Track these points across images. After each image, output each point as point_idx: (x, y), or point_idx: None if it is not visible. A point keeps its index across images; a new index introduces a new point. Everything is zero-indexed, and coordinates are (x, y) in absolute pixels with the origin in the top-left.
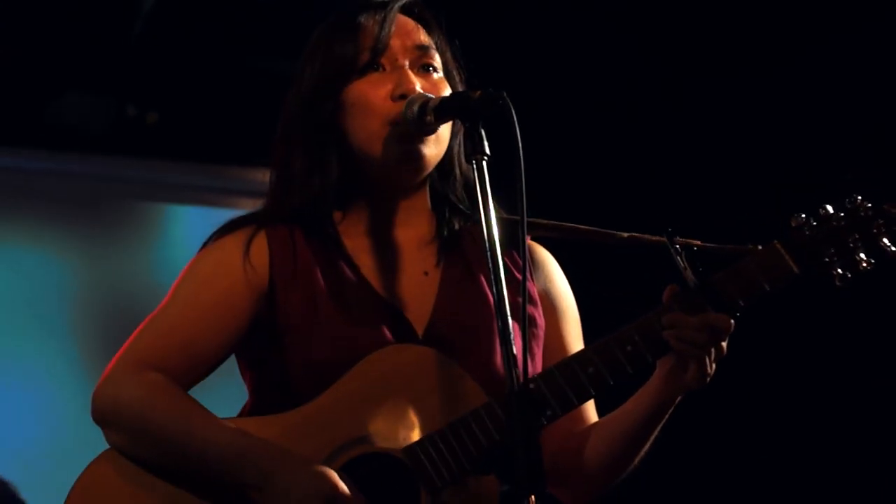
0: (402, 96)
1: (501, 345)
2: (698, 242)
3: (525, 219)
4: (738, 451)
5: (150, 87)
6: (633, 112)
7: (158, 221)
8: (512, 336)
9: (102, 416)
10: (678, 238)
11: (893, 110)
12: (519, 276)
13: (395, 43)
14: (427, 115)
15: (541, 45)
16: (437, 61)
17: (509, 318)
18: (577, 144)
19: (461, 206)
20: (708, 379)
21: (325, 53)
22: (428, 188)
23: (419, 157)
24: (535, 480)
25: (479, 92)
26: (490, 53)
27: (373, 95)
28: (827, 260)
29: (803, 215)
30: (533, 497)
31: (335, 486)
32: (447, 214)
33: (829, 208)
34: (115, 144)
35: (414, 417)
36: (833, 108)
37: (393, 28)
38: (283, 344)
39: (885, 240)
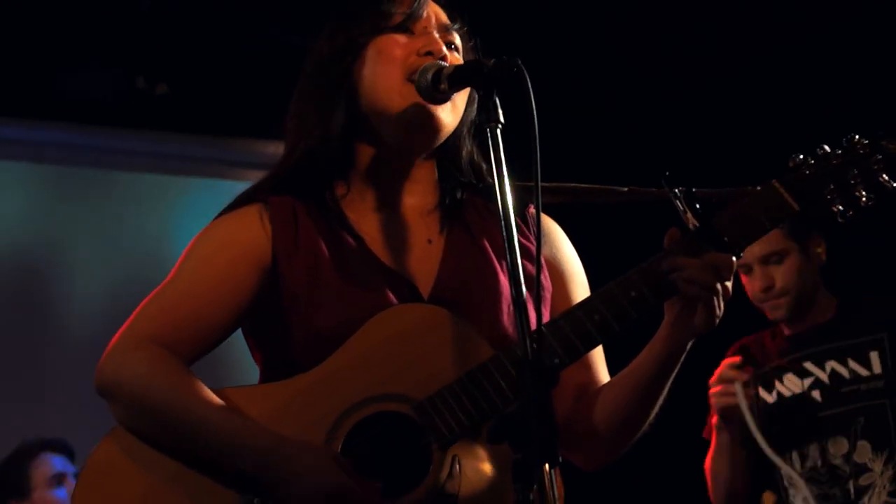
0: (430, 54)
1: (515, 311)
2: (696, 188)
3: (539, 185)
4: None
5: (160, 59)
6: (633, 90)
7: (168, 193)
8: (525, 303)
9: (105, 389)
10: (677, 185)
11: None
12: (526, 243)
13: (426, 17)
14: (441, 83)
15: (546, 17)
16: (460, 44)
17: (524, 287)
18: (575, 112)
19: (463, 180)
20: (717, 321)
21: (356, 13)
22: (435, 160)
23: (436, 120)
24: (549, 449)
25: (493, 60)
26: (502, 36)
27: (400, 48)
28: (828, 197)
29: (801, 155)
30: (547, 466)
31: (336, 477)
32: (450, 185)
33: (827, 148)
34: (125, 117)
35: (423, 375)
36: (833, 80)
37: (428, 4)
38: (289, 316)
39: (885, 175)
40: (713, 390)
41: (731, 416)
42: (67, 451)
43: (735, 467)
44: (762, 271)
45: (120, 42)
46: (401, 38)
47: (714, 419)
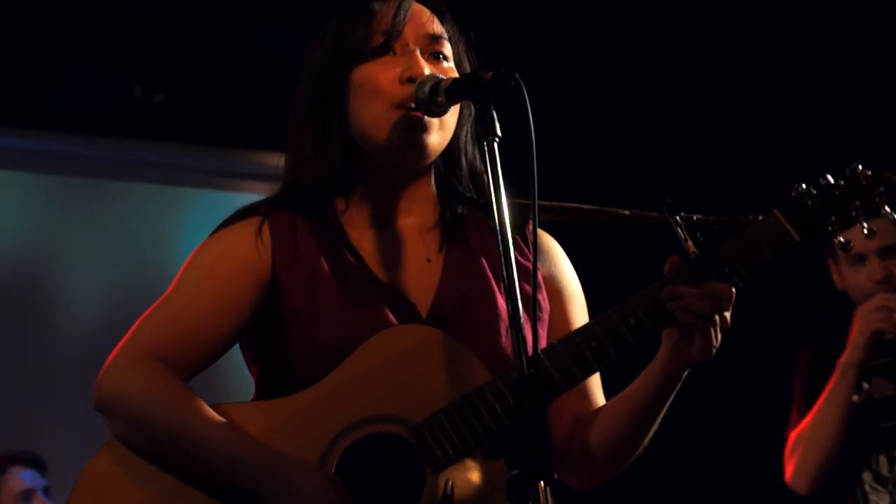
0: (411, 79)
1: (511, 328)
2: (699, 215)
3: (536, 201)
4: (740, 451)
5: (158, 68)
6: (636, 100)
7: (165, 203)
8: (522, 321)
9: (104, 405)
10: (678, 212)
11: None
12: (523, 261)
13: (408, 30)
14: (438, 96)
15: (551, 37)
16: (449, 50)
17: (520, 303)
18: (578, 129)
19: (466, 194)
20: (714, 351)
21: (337, 36)
22: (433, 175)
23: (424, 145)
24: (544, 465)
25: (490, 73)
26: (502, 45)
27: (382, 77)
28: (829, 228)
29: (804, 185)
30: (542, 482)
31: (331, 496)
32: (450, 201)
33: (830, 178)
34: (122, 126)
35: (418, 397)
36: (834, 90)
37: (408, 15)
38: (287, 332)
39: (887, 207)
40: (871, 309)
41: (873, 343)
42: (37, 464)
43: (840, 428)
44: (880, 263)
45: (117, 51)
46: (381, 63)
47: (842, 358)
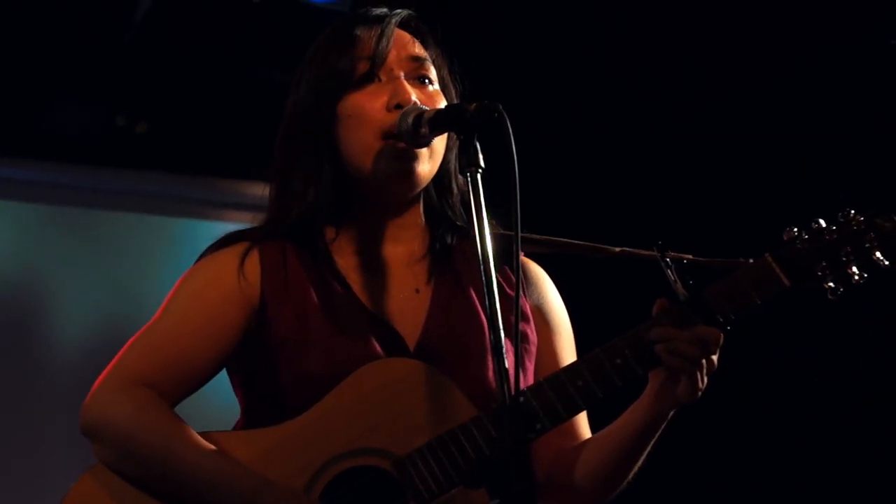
0: (398, 106)
1: (494, 358)
2: (689, 256)
3: (519, 232)
4: (732, 457)
5: (141, 96)
6: (625, 127)
7: (149, 233)
8: (504, 350)
9: (90, 430)
10: (669, 252)
11: (886, 125)
12: (510, 292)
13: (392, 55)
14: (422, 128)
15: (536, 61)
16: (433, 74)
17: (502, 333)
18: (569, 159)
19: (457, 223)
20: (699, 393)
21: (322, 65)
22: (422, 203)
23: (412, 175)
24: (527, 494)
25: (474, 104)
26: (486, 69)
27: (368, 107)
28: (819, 273)
29: (795, 229)
30: None
31: None
32: (441, 230)
33: (822, 222)
34: (105, 155)
35: (403, 431)
36: (826, 123)
37: (391, 41)
38: (275, 359)
39: (878, 253)
40: None
41: None
42: None
43: None
44: None
45: (100, 80)
46: (367, 92)
47: None
